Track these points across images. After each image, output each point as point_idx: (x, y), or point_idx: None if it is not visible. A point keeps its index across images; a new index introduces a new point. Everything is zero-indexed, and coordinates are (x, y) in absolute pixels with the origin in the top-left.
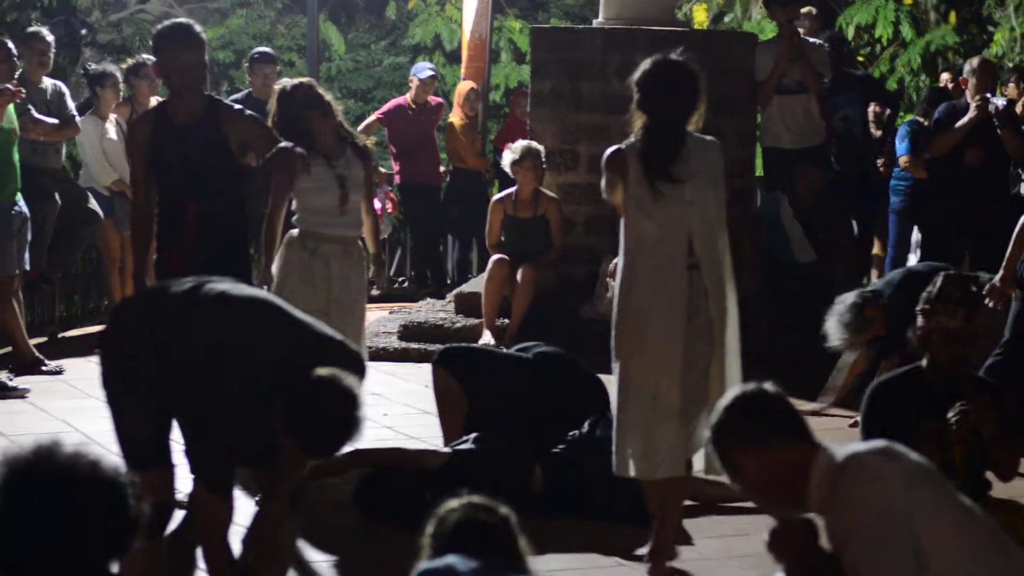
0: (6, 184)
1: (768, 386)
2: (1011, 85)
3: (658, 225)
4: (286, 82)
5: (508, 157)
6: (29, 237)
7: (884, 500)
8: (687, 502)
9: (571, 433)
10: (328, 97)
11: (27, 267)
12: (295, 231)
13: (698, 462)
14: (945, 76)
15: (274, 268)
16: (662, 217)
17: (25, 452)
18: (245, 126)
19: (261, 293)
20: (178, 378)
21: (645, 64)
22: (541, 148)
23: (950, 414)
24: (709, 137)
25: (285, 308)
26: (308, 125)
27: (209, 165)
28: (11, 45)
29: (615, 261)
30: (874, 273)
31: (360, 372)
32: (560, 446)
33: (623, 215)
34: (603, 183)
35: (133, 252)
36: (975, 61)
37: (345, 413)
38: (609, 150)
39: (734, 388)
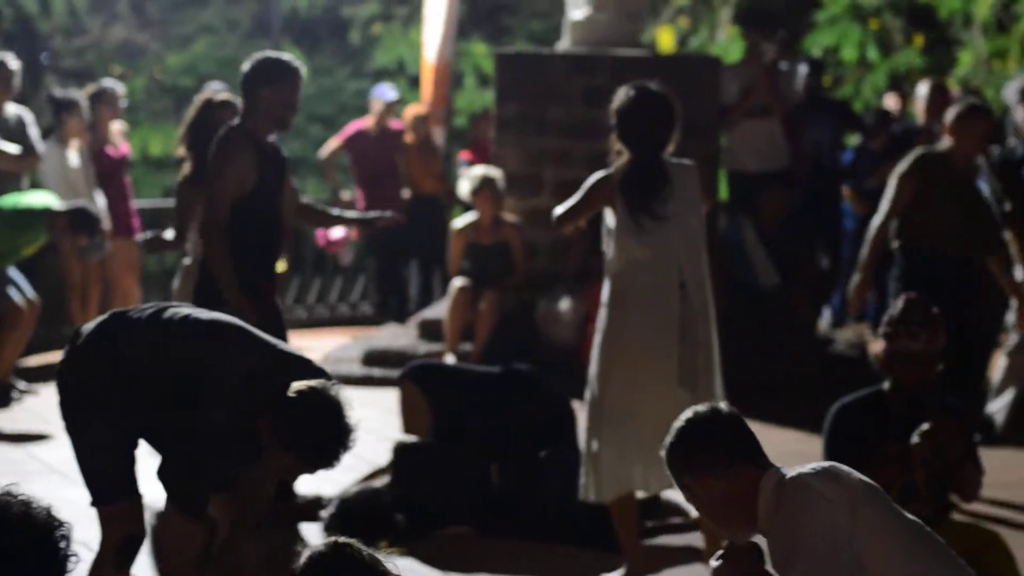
0: None
1: (722, 407)
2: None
3: (648, 249)
4: (213, 95)
5: (465, 187)
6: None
7: (826, 522)
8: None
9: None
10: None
11: (25, 295)
12: (188, 259)
13: None
14: (891, 97)
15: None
16: (651, 242)
17: None
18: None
19: (223, 315)
20: (148, 405)
21: (625, 93)
22: (498, 175)
23: (914, 435)
24: (686, 161)
25: (248, 328)
26: None
27: (283, 188)
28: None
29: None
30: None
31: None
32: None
33: (613, 239)
34: (569, 203)
35: (227, 272)
36: (925, 86)
37: (340, 421)
38: (597, 176)
39: (687, 411)
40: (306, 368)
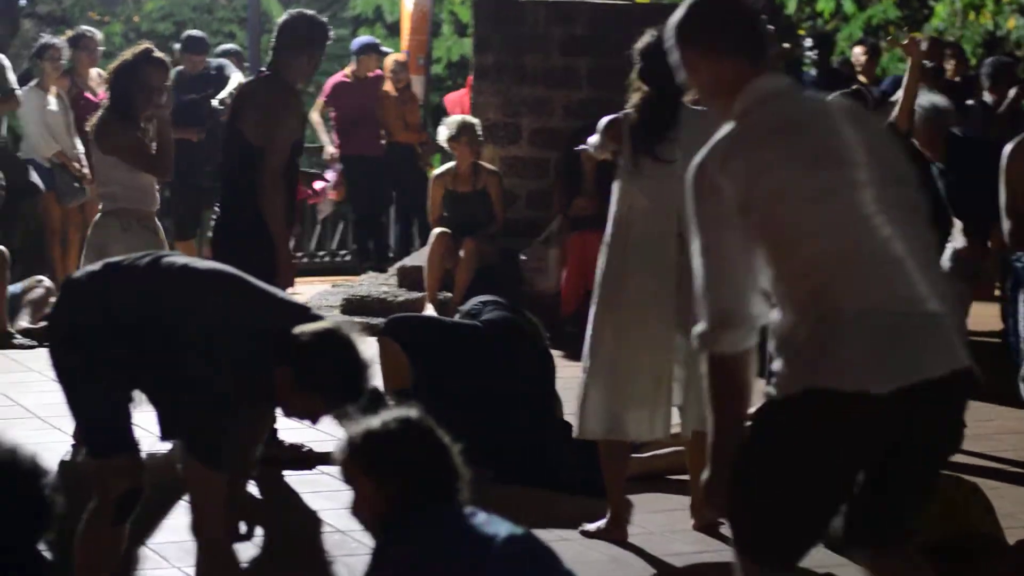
0: None
1: None
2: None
3: (648, 197)
4: (152, 49)
5: (444, 133)
6: None
7: (713, 206)
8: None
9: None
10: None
11: None
12: (114, 213)
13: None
14: (858, 50)
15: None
16: (652, 189)
17: None
18: None
19: (219, 265)
20: (144, 354)
21: (651, 35)
22: (476, 122)
23: None
24: (703, 108)
25: (247, 277)
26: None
27: None
28: None
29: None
30: None
31: None
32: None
33: (617, 185)
34: (595, 139)
35: (282, 224)
36: (924, 42)
37: (359, 357)
38: (607, 118)
39: None
40: (305, 315)
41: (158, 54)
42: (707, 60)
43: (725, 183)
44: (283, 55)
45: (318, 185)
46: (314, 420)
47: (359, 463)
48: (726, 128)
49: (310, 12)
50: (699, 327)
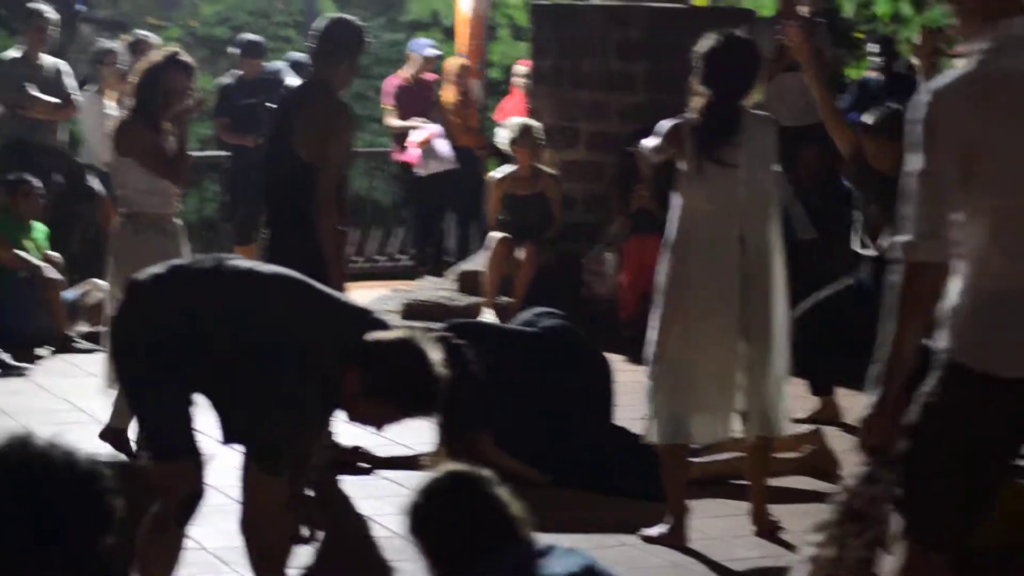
0: None
1: None
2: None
3: (711, 201)
4: (180, 53)
5: (505, 135)
6: None
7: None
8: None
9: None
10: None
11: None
12: (128, 216)
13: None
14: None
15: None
16: (714, 193)
17: None
18: None
19: (284, 269)
20: (215, 359)
21: (712, 39)
22: (538, 125)
23: None
24: (764, 114)
25: (310, 282)
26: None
27: None
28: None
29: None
30: None
31: None
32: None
33: (678, 189)
34: (655, 143)
35: (334, 247)
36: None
37: (434, 368)
38: (669, 122)
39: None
40: (369, 320)
41: (184, 58)
42: None
43: (944, 123)
44: (324, 63)
45: (414, 141)
46: (379, 427)
47: (412, 533)
48: (965, 66)
49: (348, 17)
50: (901, 238)
